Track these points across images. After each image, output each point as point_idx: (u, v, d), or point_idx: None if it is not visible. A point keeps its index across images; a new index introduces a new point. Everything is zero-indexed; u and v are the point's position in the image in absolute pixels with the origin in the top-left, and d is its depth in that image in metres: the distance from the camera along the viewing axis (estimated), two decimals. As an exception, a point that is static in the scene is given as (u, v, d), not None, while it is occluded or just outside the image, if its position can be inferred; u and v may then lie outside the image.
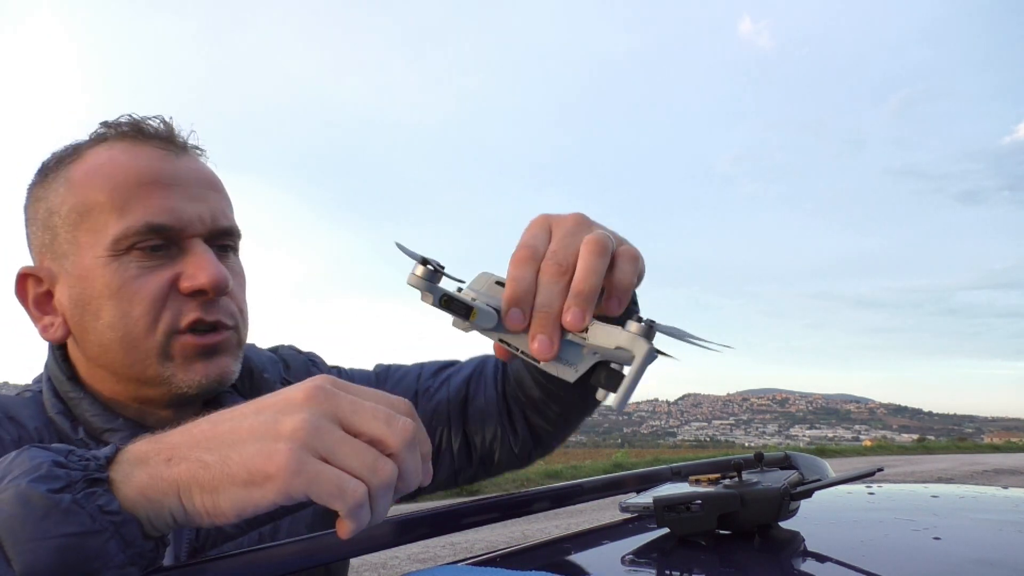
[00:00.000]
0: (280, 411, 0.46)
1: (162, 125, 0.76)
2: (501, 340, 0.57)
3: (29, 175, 0.78)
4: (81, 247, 0.72)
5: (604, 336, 0.52)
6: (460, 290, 0.57)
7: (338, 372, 0.95)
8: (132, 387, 0.74)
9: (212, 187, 0.77)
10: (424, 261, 0.54)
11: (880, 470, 0.65)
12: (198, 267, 0.71)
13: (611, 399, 0.56)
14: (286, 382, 0.87)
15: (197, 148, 0.80)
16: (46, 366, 0.78)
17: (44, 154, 0.77)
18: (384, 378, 0.94)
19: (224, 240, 0.77)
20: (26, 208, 0.77)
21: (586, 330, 0.53)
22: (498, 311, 0.56)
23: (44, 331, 0.75)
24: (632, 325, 0.51)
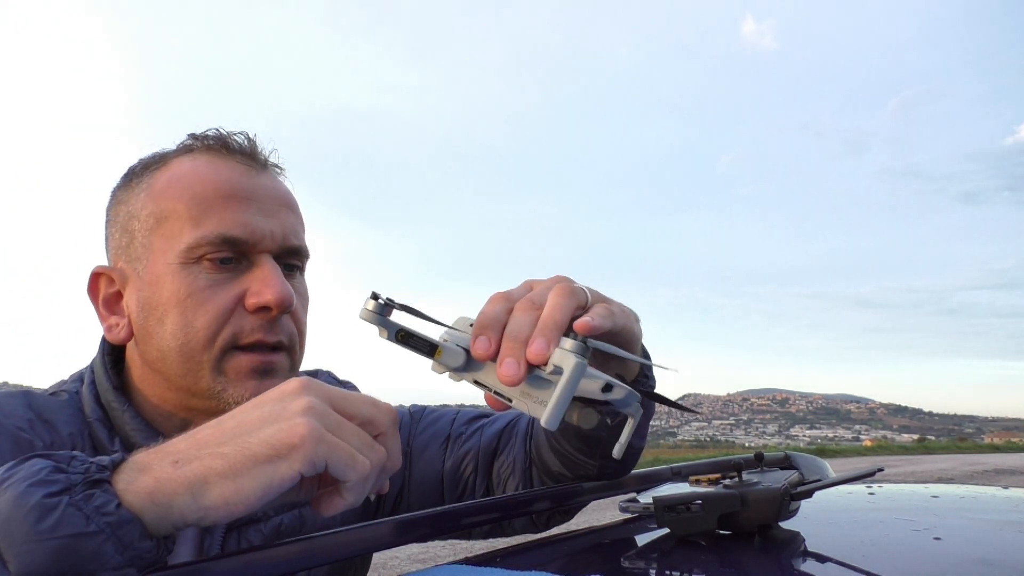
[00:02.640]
0: (281, 399, 0.49)
1: (246, 141, 0.78)
2: (476, 382, 0.56)
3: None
4: (155, 252, 0.73)
5: (551, 361, 0.52)
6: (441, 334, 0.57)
7: None
8: (182, 396, 0.74)
9: (287, 206, 0.78)
10: (375, 295, 0.54)
11: (880, 470, 0.65)
12: (264, 284, 0.72)
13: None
14: None
15: (277, 167, 0.82)
16: (91, 369, 0.78)
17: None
18: (418, 418, 0.95)
19: (292, 259, 0.78)
20: (108, 210, 0.80)
21: (546, 363, 0.52)
22: (465, 350, 0.55)
23: (109, 331, 0.77)
24: (566, 342, 0.51)
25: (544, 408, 0.52)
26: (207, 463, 0.46)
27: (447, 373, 0.56)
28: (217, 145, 0.78)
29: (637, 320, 0.64)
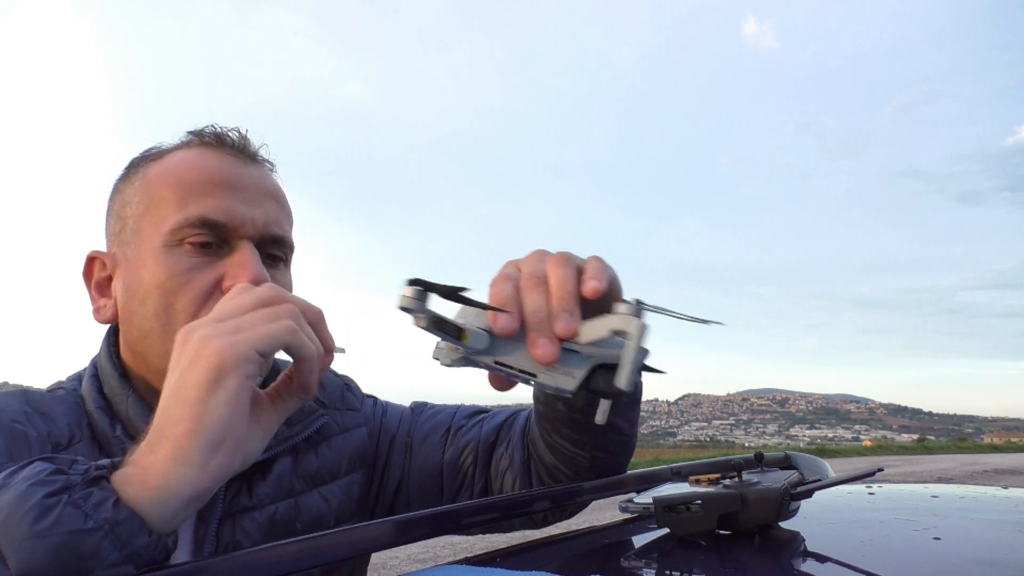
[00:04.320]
0: (182, 350, 0.53)
1: (238, 136, 0.81)
2: (496, 363, 0.56)
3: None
4: (142, 237, 0.76)
5: (595, 330, 0.53)
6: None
7: (373, 402, 0.98)
8: (160, 377, 0.74)
9: (272, 197, 0.80)
10: (413, 281, 0.52)
11: (880, 470, 0.65)
12: (241, 267, 0.74)
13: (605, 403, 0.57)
14: (319, 403, 0.89)
15: (267, 162, 0.84)
16: (94, 365, 0.80)
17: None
18: (419, 412, 0.97)
19: (274, 249, 0.80)
20: (109, 200, 0.83)
21: (576, 335, 0.54)
22: (488, 332, 0.56)
23: (96, 312, 0.79)
24: (621, 306, 0.52)
25: (569, 378, 0.55)
26: (175, 431, 0.49)
27: (451, 361, 0.56)
28: (211, 139, 0.80)
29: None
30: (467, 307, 0.57)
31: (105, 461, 0.48)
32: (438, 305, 0.55)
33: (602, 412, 0.58)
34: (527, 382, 0.57)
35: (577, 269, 0.57)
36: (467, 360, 0.56)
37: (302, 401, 0.59)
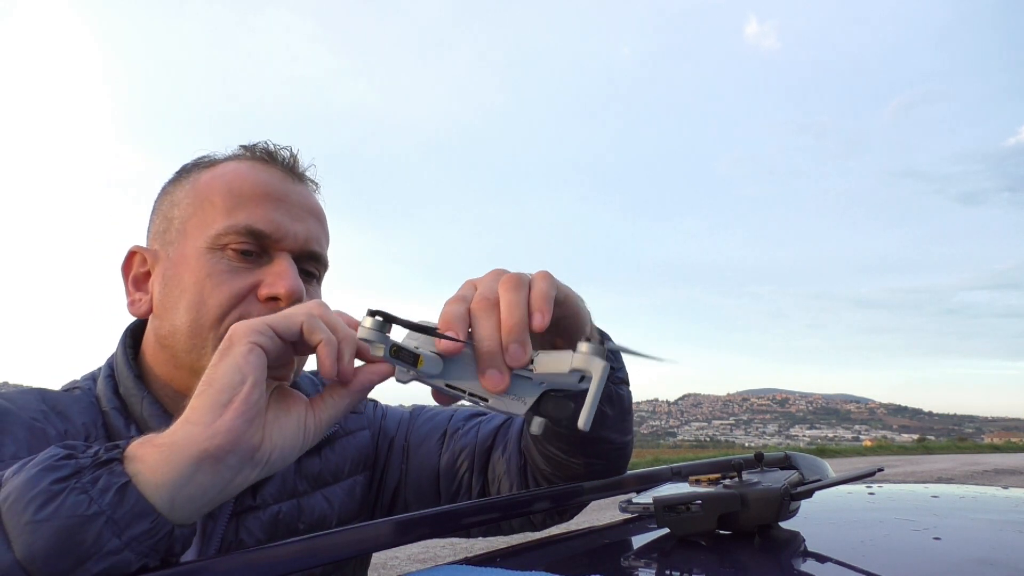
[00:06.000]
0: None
1: (288, 154, 0.84)
2: (448, 385, 0.57)
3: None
4: (187, 237, 0.79)
5: (555, 363, 0.54)
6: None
7: (374, 405, 1.00)
8: (185, 375, 0.76)
9: (315, 216, 0.84)
10: (373, 312, 0.55)
11: (880, 470, 0.65)
12: (278, 276, 0.76)
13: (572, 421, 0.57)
14: None
15: (313, 182, 0.87)
16: (109, 365, 0.81)
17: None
18: (417, 415, 0.98)
19: (310, 265, 0.82)
20: (156, 201, 0.86)
21: (531, 362, 0.55)
22: (442, 356, 0.57)
23: (131, 305, 0.82)
24: (584, 346, 0.53)
25: (520, 403, 0.56)
26: (192, 418, 0.49)
27: (406, 378, 0.58)
28: (263, 155, 0.84)
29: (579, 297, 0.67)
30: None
31: (120, 442, 0.49)
32: (395, 332, 0.57)
33: (537, 424, 0.58)
34: (477, 404, 0.58)
35: (528, 293, 0.57)
36: (419, 379, 0.58)
37: (348, 401, 0.57)
